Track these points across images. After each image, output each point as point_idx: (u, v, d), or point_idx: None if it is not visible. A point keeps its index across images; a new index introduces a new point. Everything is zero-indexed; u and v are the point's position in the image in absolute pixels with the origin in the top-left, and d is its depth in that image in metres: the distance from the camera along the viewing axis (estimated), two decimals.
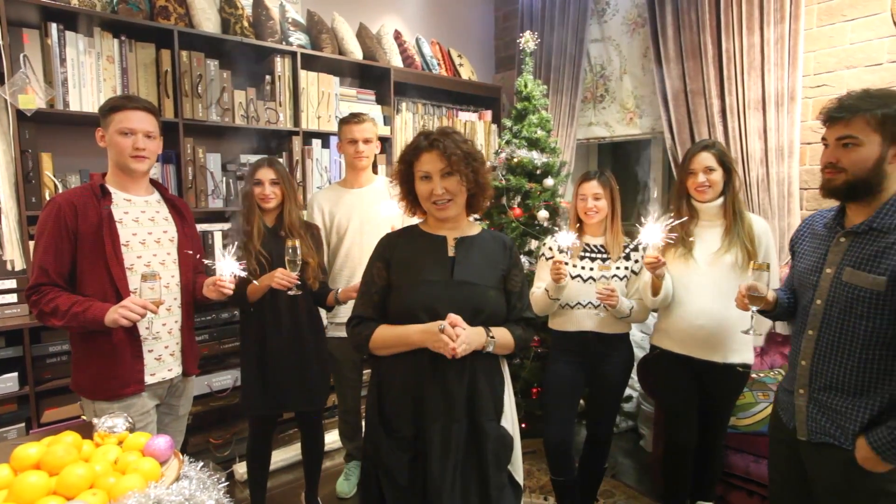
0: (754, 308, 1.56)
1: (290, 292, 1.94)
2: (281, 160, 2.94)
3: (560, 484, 2.25)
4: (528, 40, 2.88)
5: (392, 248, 1.52)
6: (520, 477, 1.50)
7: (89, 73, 2.42)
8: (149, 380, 1.72)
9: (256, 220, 2.08)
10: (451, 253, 1.49)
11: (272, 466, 2.76)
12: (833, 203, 1.48)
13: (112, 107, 1.66)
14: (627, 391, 2.94)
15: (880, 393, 1.34)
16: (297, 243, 1.91)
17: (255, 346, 2.10)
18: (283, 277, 1.90)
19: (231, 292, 1.75)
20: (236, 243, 1.92)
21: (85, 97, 2.42)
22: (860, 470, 1.35)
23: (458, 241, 1.51)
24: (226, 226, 2.75)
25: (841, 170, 1.34)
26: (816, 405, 1.43)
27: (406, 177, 1.52)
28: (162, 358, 1.76)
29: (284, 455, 2.83)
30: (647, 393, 2.80)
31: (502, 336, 1.48)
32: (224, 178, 2.79)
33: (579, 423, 2.89)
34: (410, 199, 1.55)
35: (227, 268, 1.72)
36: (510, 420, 1.51)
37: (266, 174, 2.08)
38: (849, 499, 1.39)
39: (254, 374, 2.10)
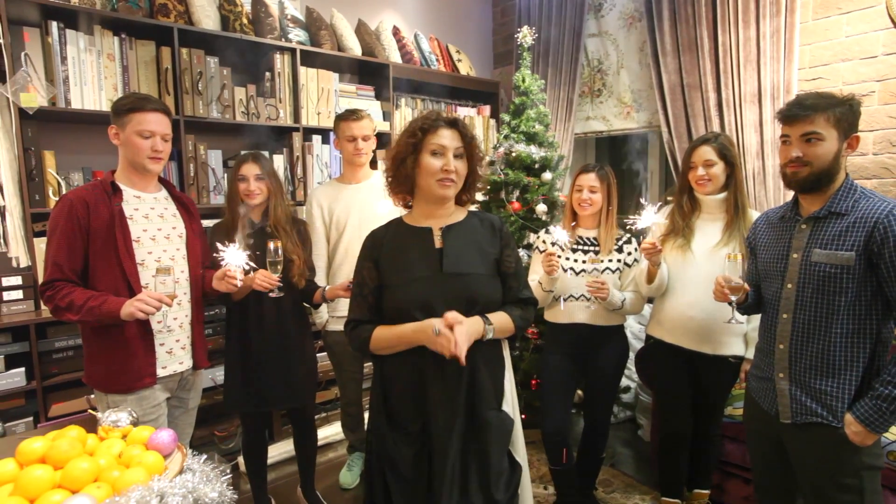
0: (734, 298, 1.61)
1: (271, 294, 1.86)
2: (281, 156, 2.95)
3: (558, 473, 2.26)
4: (525, 35, 2.86)
5: (379, 247, 1.47)
6: (520, 456, 1.49)
7: (90, 71, 2.41)
8: (160, 373, 1.73)
9: (240, 216, 2.05)
10: (437, 244, 1.44)
11: (277, 458, 2.78)
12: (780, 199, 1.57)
13: (130, 107, 1.65)
14: (625, 382, 2.95)
15: (860, 367, 1.40)
16: (279, 244, 1.84)
17: (237, 343, 2.08)
18: (265, 280, 1.84)
19: (240, 284, 1.75)
20: (238, 238, 1.91)
21: (86, 95, 2.41)
22: (849, 446, 1.40)
23: (443, 230, 1.45)
24: None
25: (806, 163, 1.43)
26: (800, 387, 1.48)
27: (408, 151, 1.42)
28: (173, 351, 1.77)
29: (288, 447, 2.84)
30: (645, 383, 2.80)
31: (501, 320, 1.44)
32: (225, 175, 2.78)
33: (577, 413, 2.90)
34: (402, 180, 1.46)
35: (234, 259, 1.72)
36: (510, 403, 1.50)
37: (250, 169, 2.03)
38: (836, 476, 1.43)
39: (235, 371, 2.09)
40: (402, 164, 1.43)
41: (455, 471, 1.36)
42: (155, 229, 1.75)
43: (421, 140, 1.41)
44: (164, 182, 1.87)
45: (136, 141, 1.66)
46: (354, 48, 3.18)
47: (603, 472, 2.61)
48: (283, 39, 2.94)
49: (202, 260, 1.89)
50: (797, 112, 1.42)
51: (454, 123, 1.43)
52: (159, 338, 1.73)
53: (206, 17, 2.68)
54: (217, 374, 2.66)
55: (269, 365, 2.07)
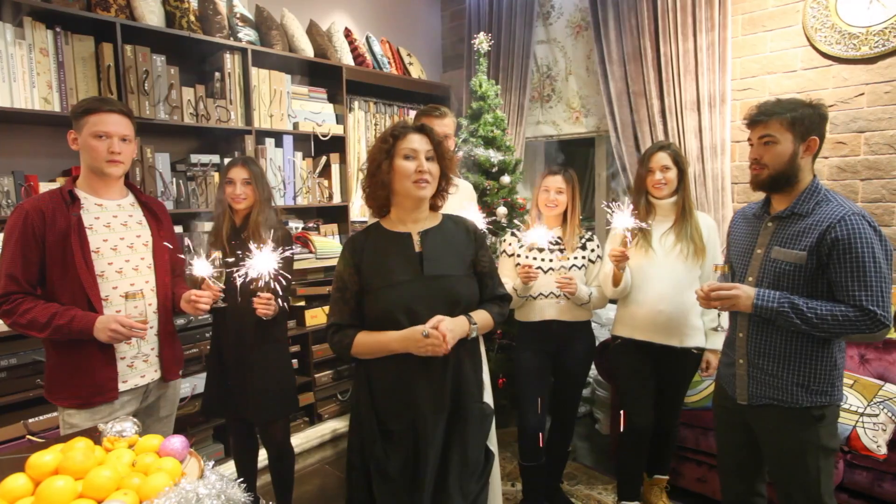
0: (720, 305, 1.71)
1: (215, 305, 1.82)
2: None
3: (528, 469, 2.38)
4: (482, 41, 3.00)
5: (360, 252, 1.54)
6: (493, 445, 1.62)
7: (20, 67, 2.28)
8: (122, 387, 1.70)
9: (226, 219, 2.07)
10: (417, 248, 1.53)
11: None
12: (760, 196, 1.75)
13: (86, 109, 1.63)
14: None
15: (808, 357, 1.58)
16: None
17: (214, 351, 2.18)
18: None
19: (207, 307, 1.76)
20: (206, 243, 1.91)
21: (16, 92, 2.27)
22: (805, 427, 1.59)
23: (422, 234, 1.55)
24: (177, 228, 2.67)
25: (764, 165, 1.61)
26: (756, 370, 1.67)
27: (382, 157, 1.50)
28: (134, 364, 1.74)
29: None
30: (605, 378, 2.98)
31: (482, 318, 1.57)
32: (174, 179, 2.71)
33: None
34: (379, 187, 1.52)
35: (201, 270, 1.71)
36: (489, 394, 1.64)
37: (238, 173, 2.07)
38: (792, 455, 1.61)
39: (211, 378, 2.18)
40: (378, 171, 1.52)
41: (436, 463, 1.45)
42: (117, 238, 1.72)
43: (393, 146, 1.51)
44: (131, 187, 1.84)
45: (92, 143, 1.64)
46: (306, 49, 3.20)
47: (566, 465, 2.77)
48: (232, 39, 2.91)
49: (171, 267, 1.87)
50: (754, 116, 1.61)
51: (422, 129, 1.54)
52: (120, 351, 1.71)
53: (150, 12, 2.61)
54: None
55: (231, 375, 2.11)
